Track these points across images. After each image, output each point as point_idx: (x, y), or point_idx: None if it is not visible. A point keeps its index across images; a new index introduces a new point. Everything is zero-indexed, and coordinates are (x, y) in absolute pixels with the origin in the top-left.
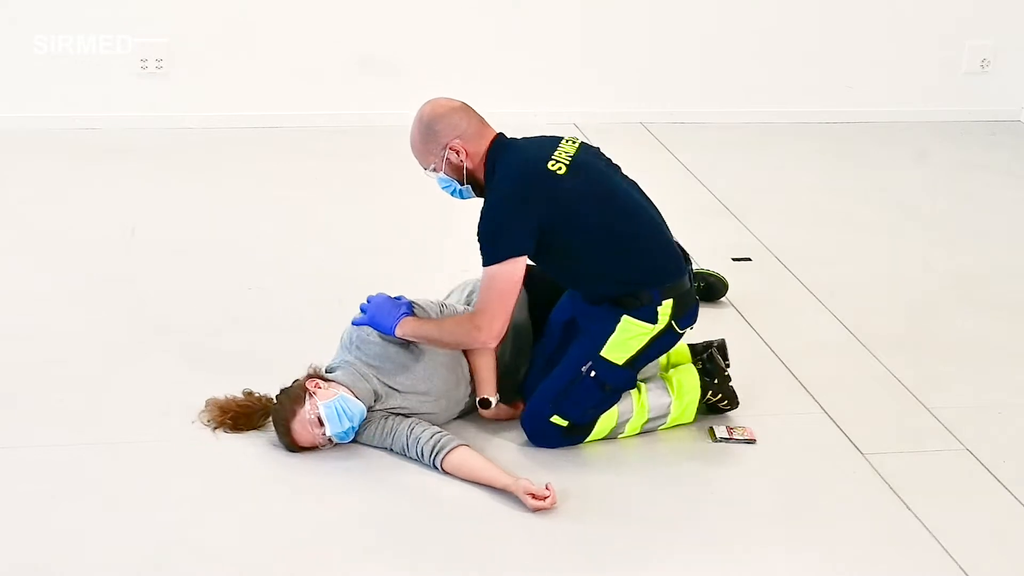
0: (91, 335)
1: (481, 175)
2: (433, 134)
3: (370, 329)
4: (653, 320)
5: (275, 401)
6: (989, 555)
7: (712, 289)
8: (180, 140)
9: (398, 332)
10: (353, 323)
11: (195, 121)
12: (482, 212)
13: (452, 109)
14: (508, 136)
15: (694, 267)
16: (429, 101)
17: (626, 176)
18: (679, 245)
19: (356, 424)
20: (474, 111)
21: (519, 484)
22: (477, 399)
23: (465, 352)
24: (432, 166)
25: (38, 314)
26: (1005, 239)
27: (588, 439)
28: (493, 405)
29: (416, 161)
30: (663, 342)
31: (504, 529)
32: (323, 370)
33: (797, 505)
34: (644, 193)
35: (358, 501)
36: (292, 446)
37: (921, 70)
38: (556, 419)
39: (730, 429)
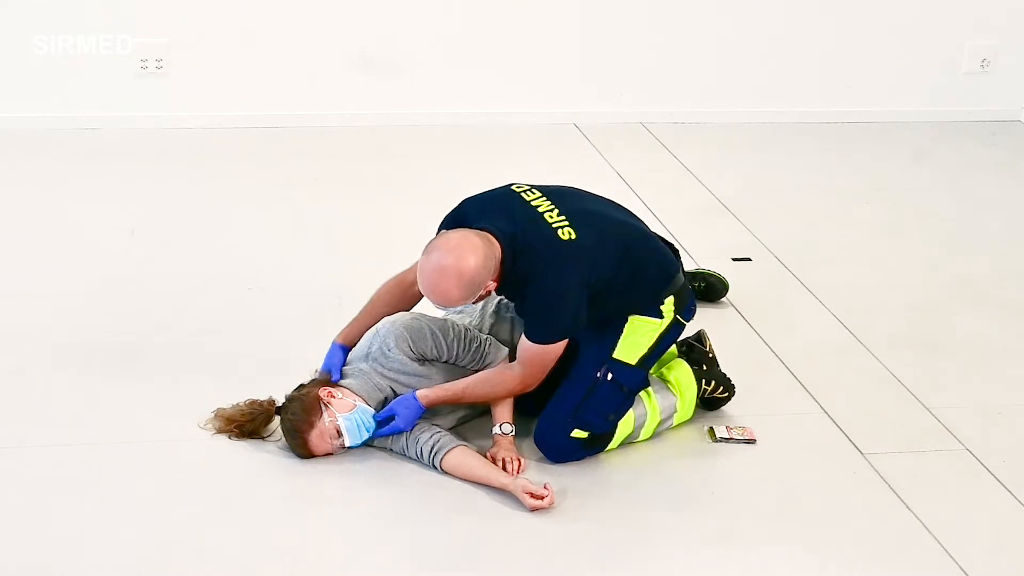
0: (91, 335)
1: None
2: (476, 286)
3: (391, 343)
4: (659, 316)
5: (287, 411)
6: (989, 555)
7: (712, 289)
8: (180, 140)
9: (426, 404)
10: (386, 432)
11: (195, 121)
12: (538, 301)
13: (481, 251)
14: (492, 227)
15: (696, 267)
16: (448, 249)
17: (585, 191)
18: (662, 239)
19: (372, 434)
20: (481, 235)
21: (517, 483)
22: (499, 425)
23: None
24: (461, 307)
25: (38, 314)
26: (1005, 239)
27: (608, 448)
28: (511, 432)
29: (435, 302)
30: (671, 336)
31: (503, 529)
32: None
33: (797, 505)
34: (610, 201)
35: (358, 501)
36: (306, 455)
37: (921, 70)
38: (577, 432)
39: (730, 429)
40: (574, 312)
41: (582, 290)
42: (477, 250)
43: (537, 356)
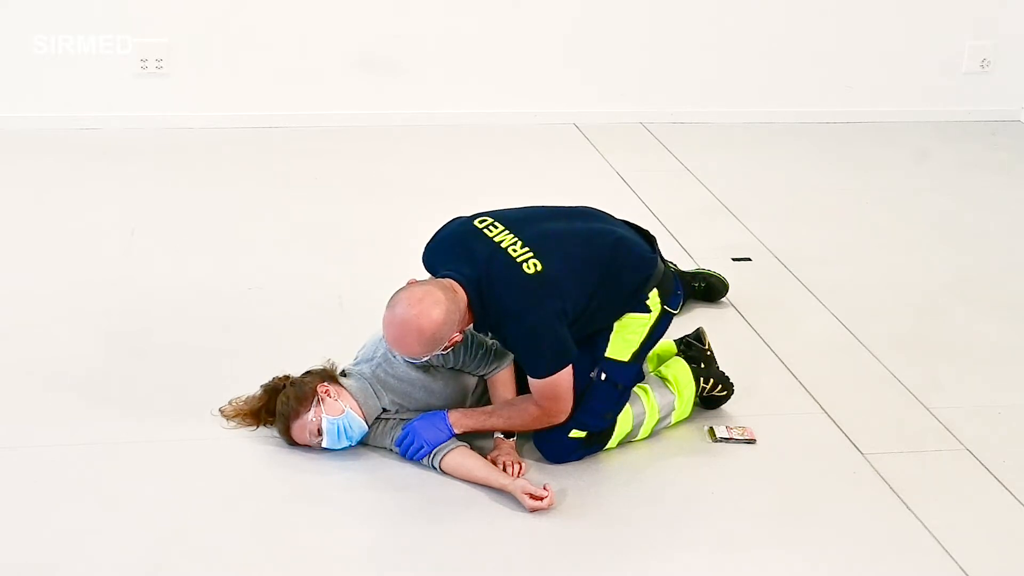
0: (90, 335)
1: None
2: (439, 340)
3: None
4: (647, 311)
5: (284, 393)
6: (989, 555)
7: (712, 289)
8: (180, 140)
9: (458, 430)
10: (411, 458)
11: (195, 121)
12: (519, 339)
13: (443, 306)
14: (457, 273)
15: (696, 267)
16: (411, 304)
17: (549, 208)
18: (637, 227)
19: (354, 443)
20: (445, 287)
21: (516, 484)
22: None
23: (489, 385)
24: (425, 359)
25: (38, 314)
26: (1005, 239)
27: (607, 447)
28: (513, 436)
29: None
30: (661, 327)
31: (502, 529)
32: (339, 370)
33: (797, 505)
34: (574, 209)
35: (358, 501)
36: (288, 440)
37: (921, 70)
38: (575, 433)
39: (730, 429)
40: (556, 342)
41: (557, 319)
42: (439, 305)
43: (547, 388)
